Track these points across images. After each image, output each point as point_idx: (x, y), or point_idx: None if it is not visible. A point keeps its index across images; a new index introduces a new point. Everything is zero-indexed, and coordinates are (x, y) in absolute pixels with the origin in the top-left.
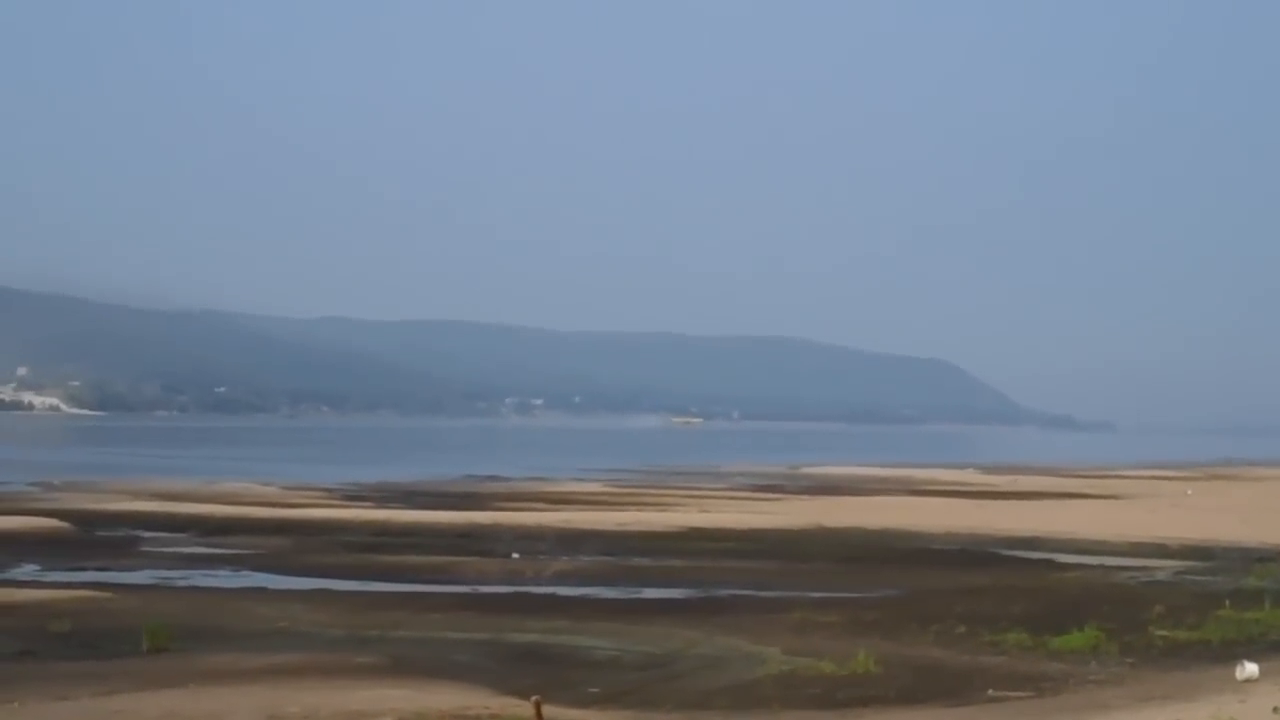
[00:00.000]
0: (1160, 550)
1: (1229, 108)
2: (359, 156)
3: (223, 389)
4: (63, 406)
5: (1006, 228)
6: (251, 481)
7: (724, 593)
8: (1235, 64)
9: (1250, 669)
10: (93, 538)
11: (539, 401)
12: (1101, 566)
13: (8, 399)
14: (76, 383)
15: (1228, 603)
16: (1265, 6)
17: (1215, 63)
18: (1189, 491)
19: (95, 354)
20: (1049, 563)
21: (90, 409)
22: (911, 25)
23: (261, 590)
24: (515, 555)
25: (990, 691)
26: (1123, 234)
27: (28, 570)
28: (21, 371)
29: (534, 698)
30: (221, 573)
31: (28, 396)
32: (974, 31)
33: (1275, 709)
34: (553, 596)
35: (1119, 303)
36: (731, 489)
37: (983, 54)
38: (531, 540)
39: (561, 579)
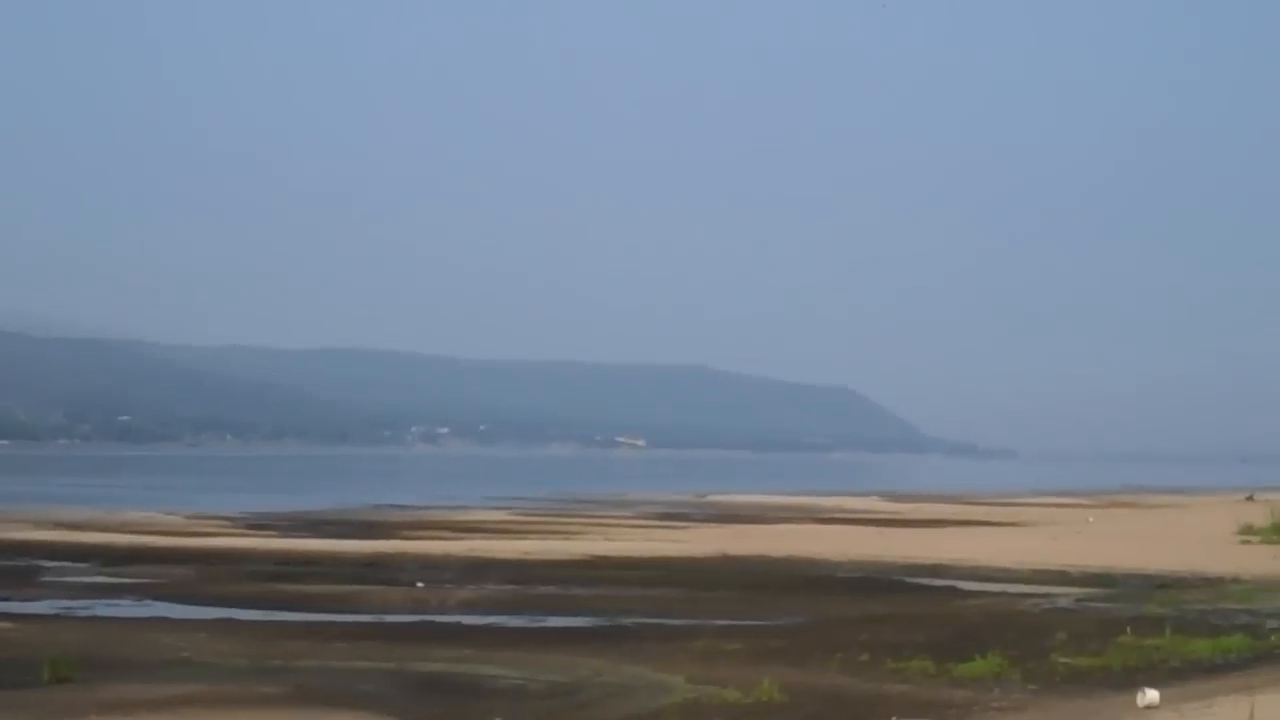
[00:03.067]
0: (1062, 577)
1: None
2: (265, 185)
3: (126, 417)
4: None
5: (912, 261)
6: (155, 510)
7: (629, 621)
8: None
9: (1151, 695)
10: None
11: (445, 430)
12: (1004, 594)
13: None
14: None
15: (1129, 629)
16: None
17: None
18: (1090, 519)
19: None
20: (952, 590)
21: None
22: (796, 42)
23: (165, 620)
24: (420, 584)
25: (894, 719)
26: (1027, 267)
27: None
28: None
29: None
30: (124, 602)
31: None
32: (847, 48)
33: None
34: (457, 625)
35: (1021, 332)
36: (637, 517)
37: (892, 81)
38: (437, 569)
39: (466, 608)
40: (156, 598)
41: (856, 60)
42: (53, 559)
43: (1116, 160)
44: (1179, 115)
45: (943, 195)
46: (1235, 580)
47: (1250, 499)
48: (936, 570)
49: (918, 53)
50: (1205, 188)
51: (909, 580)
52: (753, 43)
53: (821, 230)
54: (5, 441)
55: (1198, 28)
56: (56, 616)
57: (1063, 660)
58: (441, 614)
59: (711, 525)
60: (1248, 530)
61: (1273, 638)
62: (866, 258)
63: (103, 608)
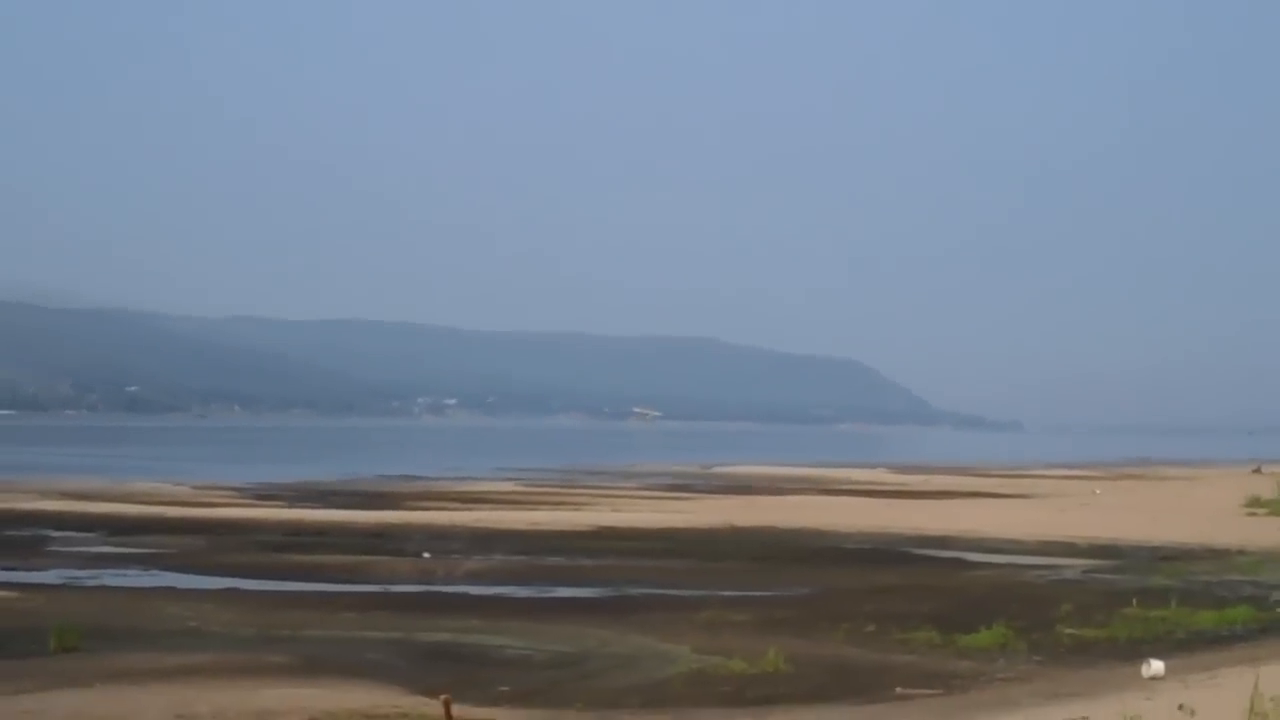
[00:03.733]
0: (1068, 549)
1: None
2: (270, 156)
3: (134, 388)
4: None
5: (921, 234)
6: (162, 481)
7: (635, 592)
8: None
9: (1156, 666)
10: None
11: (452, 401)
12: (1010, 565)
13: None
14: None
15: (1135, 601)
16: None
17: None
18: (1097, 491)
19: (4, 353)
20: (958, 561)
21: None
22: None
23: (171, 590)
24: (427, 554)
25: (899, 689)
26: (1034, 239)
27: None
28: None
29: (443, 696)
30: (131, 572)
31: None
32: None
33: (1180, 706)
34: (464, 595)
35: (1029, 305)
36: (644, 488)
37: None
38: (444, 539)
39: (473, 578)
40: (164, 567)
41: (862, 32)
42: (60, 529)
43: (1120, 127)
44: (1177, 81)
45: (952, 166)
46: (1241, 552)
47: (1257, 471)
48: (943, 542)
49: (921, 24)
50: (1214, 153)
51: (916, 551)
52: (759, 11)
53: (830, 203)
54: (13, 412)
55: None
56: (63, 586)
57: (1068, 631)
58: (448, 584)
59: (719, 497)
60: (1254, 502)
61: (1278, 609)
62: (875, 231)
63: (110, 577)
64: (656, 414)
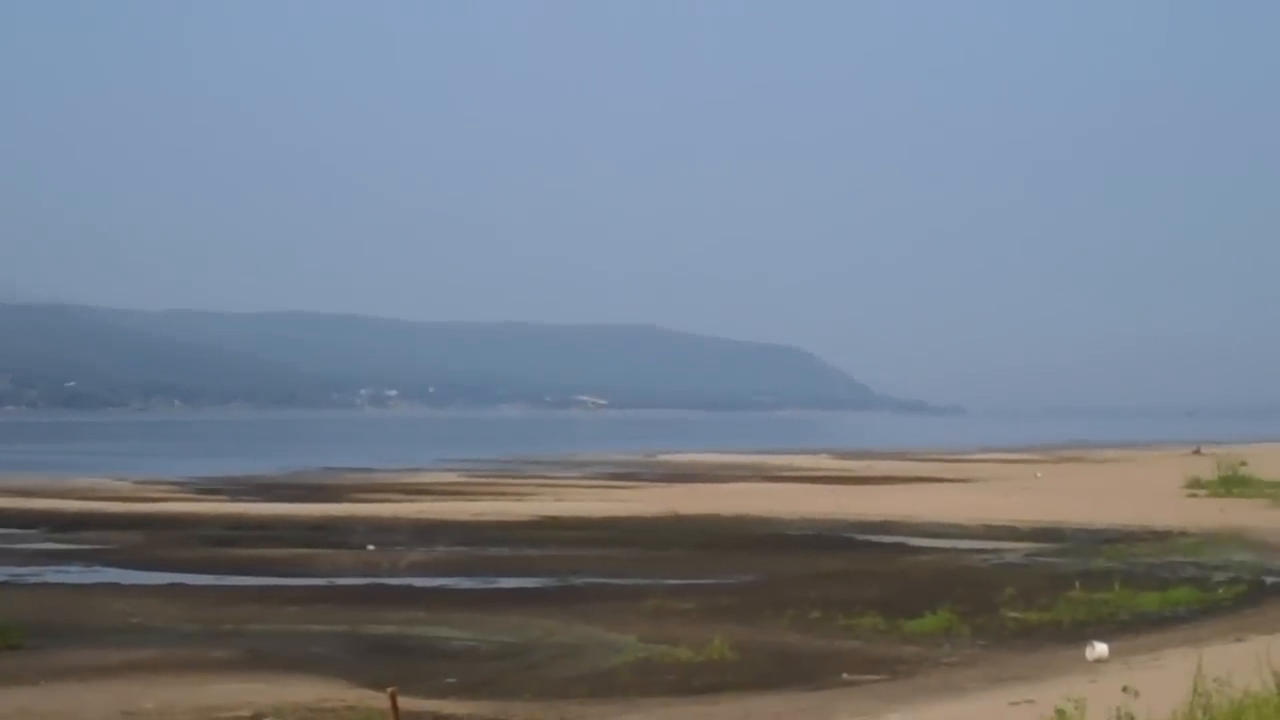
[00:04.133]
0: (1011, 533)
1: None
2: (203, 145)
3: (73, 383)
4: None
5: (861, 222)
6: (103, 476)
7: (580, 581)
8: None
9: (1100, 649)
10: None
11: (393, 392)
12: (954, 550)
13: None
14: None
15: (1077, 584)
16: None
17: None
18: (1038, 474)
19: None
20: (902, 546)
21: None
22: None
23: (115, 586)
24: (371, 547)
25: (845, 675)
26: (971, 221)
27: None
28: None
29: (390, 689)
30: (74, 569)
31: None
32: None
33: (1124, 688)
34: (409, 588)
35: (968, 290)
36: (588, 477)
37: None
38: (387, 532)
39: (417, 570)
40: (106, 563)
41: (825, 16)
42: (1, 526)
43: (1092, 126)
44: (1144, 88)
45: (895, 163)
46: (1183, 534)
47: (1197, 453)
48: (886, 527)
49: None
50: (1166, 161)
51: (859, 537)
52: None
53: (770, 190)
54: None
55: None
56: (5, 583)
57: (1012, 615)
58: (393, 577)
59: (662, 485)
60: (1195, 484)
61: (1220, 590)
62: (814, 218)
63: (52, 574)
64: (603, 402)
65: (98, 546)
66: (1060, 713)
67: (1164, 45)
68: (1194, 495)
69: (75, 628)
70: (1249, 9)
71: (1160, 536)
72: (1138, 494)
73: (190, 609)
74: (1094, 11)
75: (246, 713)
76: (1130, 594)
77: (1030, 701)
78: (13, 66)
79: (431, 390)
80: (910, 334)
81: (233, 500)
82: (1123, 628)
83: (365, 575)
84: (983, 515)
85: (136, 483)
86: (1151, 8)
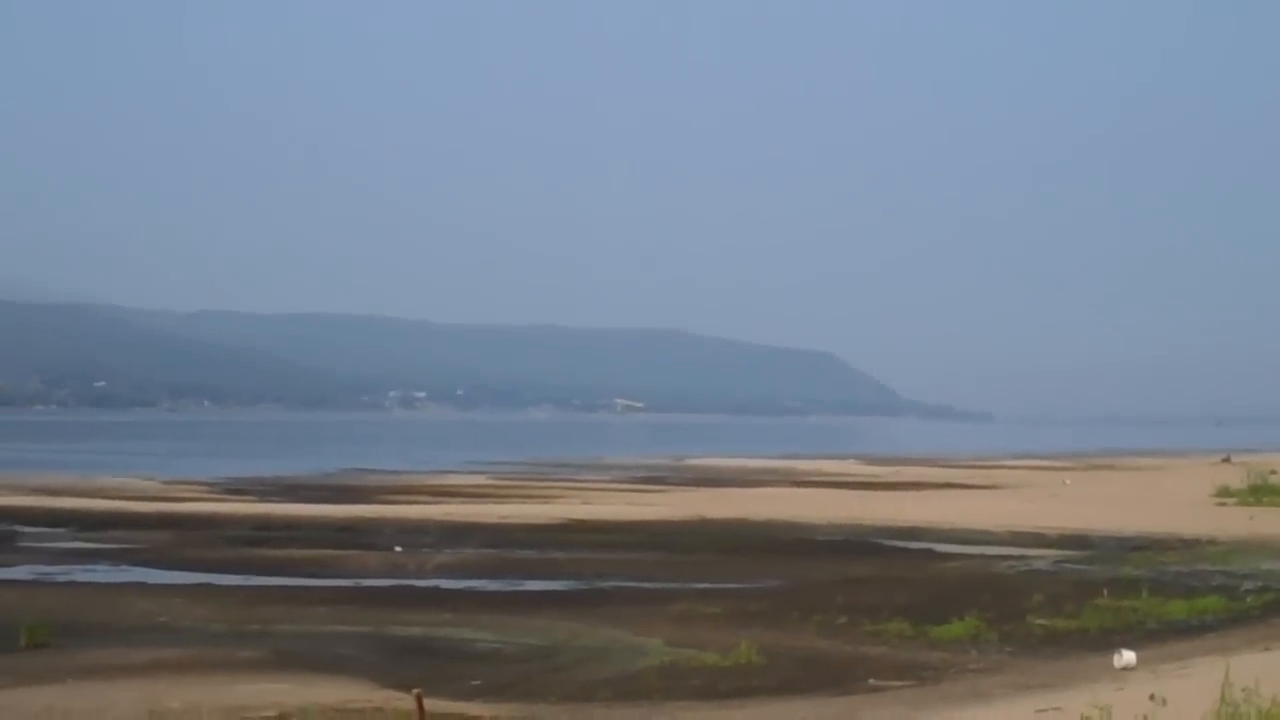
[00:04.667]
0: (1039, 540)
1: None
2: (235, 149)
3: (103, 383)
4: None
5: (890, 227)
6: (132, 476)
7: (607, 585)
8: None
9: (1128, 657)
10: None
11: (422, 394)
12: (981, 556)
13: None
14: None
15: (1105, 591)
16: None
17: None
18: (1067, 481)
19: None
20: (929, 553)
21: None
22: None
23: (142, 585)
24: (398, 549)
25: (871, 681)
26: (1002, 224)
27: None
28: None
29: (415, 690)
30: (101, 568)
31: None
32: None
33: (1152, 696)
34: (436, 590)
35: (998, 296)
36: (615, 481)
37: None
38: (415, 533)
39: (444, 572)
40: (133, 563)
41: (843, 26)
42: (30, 525)
43: (1100, 127)
44: (1156, 86)
45: (921, 163)
46: (1211, 542)
47: (1226, 461)
48: (914, 533)
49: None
50: (1181, 163)
51: (886, 543)
52: (740, 6)
53: (800, 196)
54: None
55: None
56: (33, 582)
57: (1039, 622)
58: (419, 578)
59: (689, 489)
60: (1224, 492)
61: (1248, 599)
62: (844, 224)
63: (80, 573)
64: (639, 405)
65: (125, 546)
66: None
67: (1171, 52)
68: (1223, 503)
69: (102, 627)
70: (1252, 18)
71: (1189, 544)
72: (1166, 502)
73: (217, 609)
74: (1100, 20)
75: (272, 713)
76: (1158, 602)
77: (1057, 709)
78: (48, 74)
79: (460, 393)
80: (939, 339)
81: (260, 501)
82: (1150, 636)
83: (392, 577)
84: (1011, 522)
85: (165, 483)
86: (1153, 17)
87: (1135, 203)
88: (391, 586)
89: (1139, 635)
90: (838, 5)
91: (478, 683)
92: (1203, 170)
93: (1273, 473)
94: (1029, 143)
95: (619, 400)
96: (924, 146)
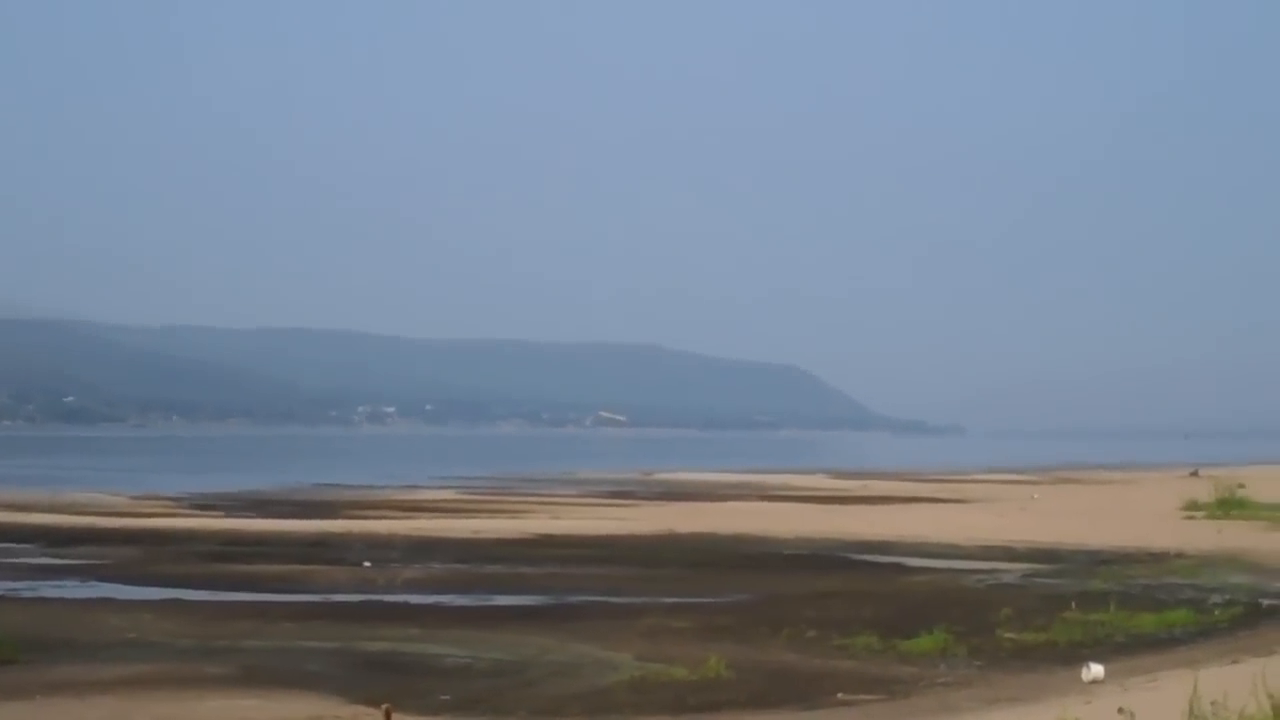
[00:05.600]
0: (1007, 553)
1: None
2: (203, 161)
3: (71, 398)
4: None
5: (861, 243)
6: (100, 491)
7: (576, 599)
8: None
9: (1096, 670)
10: None
11: (391, 409)
12: (950, 570)
13: None
14: None
15: (1074, 605)
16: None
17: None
18: (1035, 495)
19: None
20: (898, 566)
21: None
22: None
23: (110, 601)
24: (367, 563)
25: (841, 695)
26: (972, 244)
27: None
28: None
29: (384, 706)
30: (69, 583)
31: None
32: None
33: (1120, 710)
34: (404, 604)
35: (967, 311)
36: (584, 495)
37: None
38: (383, 548)
39: (413, 587)
40: (102, 578)
41: (820, 46)
42: None
43: (1092, 154)
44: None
45: (892, 184)
46: (1180, 555)
47: (1194, 475)
48: (883, 547)
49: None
50: (1159, 189)
51: (855, 557)
52: (722, 23)
53: (771, 212)
54: None
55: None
56: (1, 598)
57: (1008, 636)
58: (388, 593)
59: (659, 503)
60: (1192, 506)
61: (1216, 612)
62: (818, 242)
63: (48, 589)
64: (621, 418)
65: (94, 561)
66: None
67: (1166, 72)
68: (1191, 517)
69: (70, 642)
70: (1250, 38)
71: (1157, 558)
72: (1135, 515)
73: (186, 624)
74: (1099, 37)
75: None
76: (1126, 615)
77: None
78: (13, 83)
79: (429, 407)
80: (910, 354)
81: (229, 516)
82: (1119, 649)
83: (361, 592)
84: (979, 536)
85: (133, 498)
86: (1154, 35)
87: (1109, 224)
88: (360, 601)
89: (1107, 649)
90: (813, 26)
91: (446, 698)
92: (1176, 197)
93: (1240, 486)
94: (1006, 164)
95: (601, 412)
96: (898, 167)
